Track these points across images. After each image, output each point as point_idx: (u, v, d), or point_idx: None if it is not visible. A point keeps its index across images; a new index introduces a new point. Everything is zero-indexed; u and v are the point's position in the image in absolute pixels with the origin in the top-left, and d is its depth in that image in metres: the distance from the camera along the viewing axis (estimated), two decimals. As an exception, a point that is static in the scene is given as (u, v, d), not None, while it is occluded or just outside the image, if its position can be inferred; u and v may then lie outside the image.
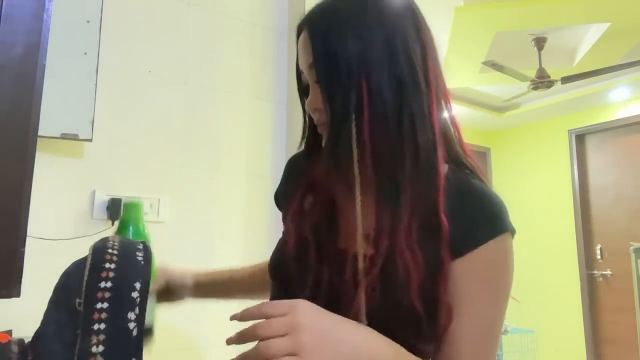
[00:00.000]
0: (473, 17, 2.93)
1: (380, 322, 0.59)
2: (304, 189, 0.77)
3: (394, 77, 0.65)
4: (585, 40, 3.43)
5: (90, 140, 1.56)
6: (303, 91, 0.76)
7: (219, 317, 1.78)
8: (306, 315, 0.52)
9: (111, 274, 0.46)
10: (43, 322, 0.48)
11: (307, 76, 0.71)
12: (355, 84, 0.64)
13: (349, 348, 0.52)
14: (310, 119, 0.75)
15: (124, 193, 1.67)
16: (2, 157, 0.97)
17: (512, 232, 0.65)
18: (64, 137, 1.52)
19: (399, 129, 0.64)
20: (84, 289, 0.45)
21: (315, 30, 0.68)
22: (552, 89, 3.64)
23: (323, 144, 0.71)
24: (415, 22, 0.70)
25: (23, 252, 1.05)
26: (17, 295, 0.79)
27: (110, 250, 0.48)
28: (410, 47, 0.67)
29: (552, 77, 3.43)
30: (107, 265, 0.47)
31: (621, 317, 4.13)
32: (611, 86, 4.11)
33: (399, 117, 0.64)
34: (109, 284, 0.45)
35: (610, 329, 4.29)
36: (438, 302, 0.62)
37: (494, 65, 3.23)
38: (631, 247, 3.37)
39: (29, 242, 1.08)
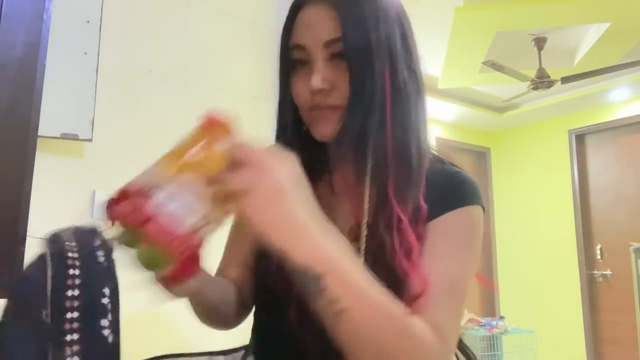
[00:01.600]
0: (473, 17, 2.93)
1: None
2: None
3: (410, 70, 0.67)
4: (585, 40, 3.43)
5: (90, 140, 1.56)
6: (289, 69, 0.70)
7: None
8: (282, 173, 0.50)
9: (77, 281, 0.44)
10: (1, 335, 0.45)
11: (316, 52, 0.65)
12: (382, 68, 0.64)
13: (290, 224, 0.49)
14: (291, 104, 0.71)
15: (124, 193, 1.67)
16: (2, 157, 0.97)
17: (482, 206, 0.68)
18: (64, 137, 1.52)
19: (412, 119, 0.67)
20: (49, 300, 0.43)
21: (347, 4, 0.64)
22: (552, 89, 3.64)
23: (317, 130, 0.68)
24: (409, 22, 0.73)
25: (23, 252, 1.06)
26: (17, 295, 0.79)
27: (70, 254, 0.46)
28: (415, 44, 0.70)
29: (552, 77, 3.43)
30: (71, 271, 0.45)
31: (621, 317, 4.13)
32: (611, 86, 4.11)
33: (414, 109, 0.67)
34: (76, 292, 0.44)
35: (610, 329, 4.29)
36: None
37: (494, 65, 3.23)
38: (631, 247, 3.37)
39: (29, 242, 1.08)
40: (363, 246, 0.63)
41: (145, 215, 0.48)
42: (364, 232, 0.64)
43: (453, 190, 0.67)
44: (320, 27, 0.65)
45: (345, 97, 0.64)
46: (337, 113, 0.65)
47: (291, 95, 0.71)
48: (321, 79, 0.64)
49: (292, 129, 0.72)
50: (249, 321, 0.79)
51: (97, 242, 0.49)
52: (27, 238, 1.11)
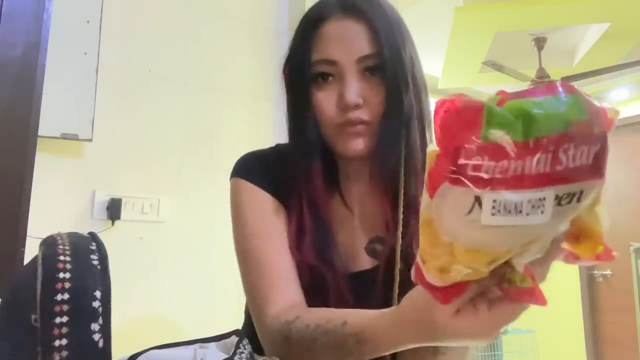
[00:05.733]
0: (473, 17, 2.92)
1: None
2: (310, 200, 0.69)
3: (425, 87, 0.70)
4: (585, 40, 3.43)
5: (90, 140, 1.56)
6: (309, 83, 0.67)
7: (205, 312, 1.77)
8: None
9: (67, 285, 0.43)
10: None
11: (349, 67, 0.64)
12: (413, 85, 0.66)
13: None
14: (314, 120, 0.67)
15: (124, 193, 1.67)
16: (2, 157, 0.97)
17: None
18: (64, 137, 1.52)
19: (426, 136, 0.69)
20: (38, 303, 0.42)
21: (379, 21, 0.65)
22: (552, 89, 3.64)
23: (349, 146, 0.66)
24: None
25: (23, 252, 1.06)
26: (17, 295, 0.79)
27: (62, 257, 0.45)
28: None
29: (552, 77, 3.43)
30: (61, 275, 0.43)
31: (621, 317, 4.13)
32: (611, 86, 4.11)
33: (429, 123, 0.69)
34: (66, 296, 0.42)
35: (610, 329, 4.29)
36: None
37: (494, 65, 3.23)
38: (631, 247, 3.37)
39: (29, 242, 1.08)
40: (399, 266, 0.63)
41: None
42: (398, 251, 0.63)
43: None
44: (354, 42, 0.64)
45: (375, 113, 0.65)
46: (370, 128, 0.65)
47: (313, 111, 0.67)
48: (356, 94, 0.64)
49: (316, 145, 0.68)
50: (232, 310, 0.78)
51: (93, 246, 0.48)
52: (27, 238, 1.11)
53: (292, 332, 0.57)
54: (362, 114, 0.65)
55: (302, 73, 0.67)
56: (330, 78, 0.66)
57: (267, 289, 0.64)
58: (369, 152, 0.66)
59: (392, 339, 0.48)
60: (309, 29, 0.67)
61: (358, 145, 0.65)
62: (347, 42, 0.65)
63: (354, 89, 0.64)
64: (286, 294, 0.64)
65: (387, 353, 0.50)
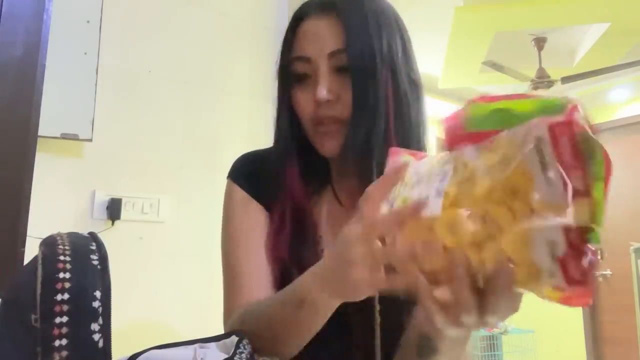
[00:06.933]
0: (473, 17, 2.92)
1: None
2: (289, 199, 0.68)
3: (411, 81, 0.68)
4: (585, 40, 3.43)
5: (90, 140, 1.56)
6: (289, 82, 0.69)
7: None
8: None
9: (67, 285, 0.43)
10: None
11: (321, 63, 0.64)
12: (384, 80, 0.64)
13: None
14: (291, 115, 0.69)
15: (124, 193, 1.67)
16: (2, 157, 0.97)
17: None
18: (64, 137, 1.52)
19: (413, 129, 0.67)
20: (38, 304, 0.42)
21: (351, 16, 0.64)
22: (552, 89, 3.64)
23: (323, 147, 0.66)
24: (407, 30, 0.73)
25: (23, 252, 1.06)
26: (17, 295, 0.79)
27: (62, 257, 0.45)
28: (413, 52, 0.71)
29: (552, 77, 3.43)
30: (61, 275, 0.43)
31: (621, 317, 4.13)
32: (611, 86, 4.10)
33: (415, 118, 0.67)
34: (66, 296, 0.42)
35: (610, 329, 4.29)
36: None
37: (494, 65, 3.23)
38: (631, 247, 3.37)
39: (29, 242, 1.08)
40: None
41: None
42: None
43: None
44: (325, 38, 0.65)
45: (349, 109, 0.64)
46: (342, 127, 0.64)
47: (291, 108, 0.69)
48: (327, 89, 0.64)
49: (292, 141, 0.70)
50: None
51: (93, 246, 0.48)
52: (27, 238, 1.11)
53: (244, 317, 0.60)
54: (334, 111, 0.64)
55: (283, 72, 0.69)
56: (309, 77, 0.66)
57: (234, 298, 0.66)
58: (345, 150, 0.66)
59: (317, 291, 0.49)
60: (290, 29, 0.69)
61: (332, 146, 0.66)
62: (319, 38, 0.65)
63: (324, 84, 0.63)
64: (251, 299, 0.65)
65: (324, 314, 0.51)
